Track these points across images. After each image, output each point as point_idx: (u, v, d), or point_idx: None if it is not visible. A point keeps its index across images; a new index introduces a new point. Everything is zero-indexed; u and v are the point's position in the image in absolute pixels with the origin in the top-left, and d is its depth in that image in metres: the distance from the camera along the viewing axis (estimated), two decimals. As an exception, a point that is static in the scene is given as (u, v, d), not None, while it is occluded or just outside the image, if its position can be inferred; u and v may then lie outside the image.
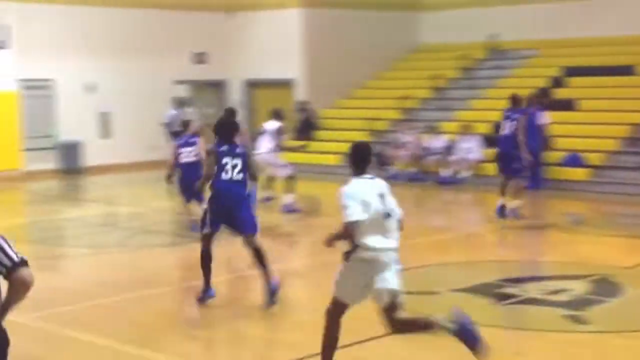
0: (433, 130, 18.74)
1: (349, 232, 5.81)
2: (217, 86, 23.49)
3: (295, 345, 7.45)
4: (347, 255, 5.92)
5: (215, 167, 8.34)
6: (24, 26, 18.74)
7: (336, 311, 6.03)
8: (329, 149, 20.26)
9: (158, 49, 21.75)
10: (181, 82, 22.54)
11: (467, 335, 5.89)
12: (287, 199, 14.26)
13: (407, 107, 20.67)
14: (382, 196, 5.91)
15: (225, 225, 8.50)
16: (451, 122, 19.26)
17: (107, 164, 20.58)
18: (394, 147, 18.71)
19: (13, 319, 8.13)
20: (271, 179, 14.82)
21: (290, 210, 14.15)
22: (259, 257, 8.40)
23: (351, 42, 22.48)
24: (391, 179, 17.97)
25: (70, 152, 19.63)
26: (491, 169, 15.72)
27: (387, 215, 5.87)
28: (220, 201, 8.39)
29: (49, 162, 19.66)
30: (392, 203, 5.96)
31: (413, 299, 8.42)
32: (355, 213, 5.77)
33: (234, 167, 8.35)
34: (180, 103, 19.62)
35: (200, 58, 22.79)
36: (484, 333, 5.96)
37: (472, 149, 17.73)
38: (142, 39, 21.48)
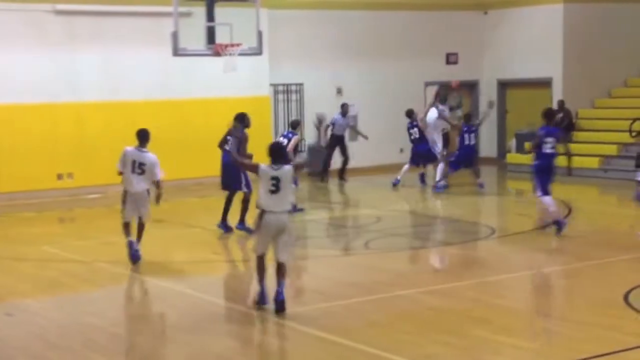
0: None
1: None
2: (468, 87, 23.06)
3: (546, 354, 7.22)
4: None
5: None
6: (274, 32, 19.30)
7: None
8: (588, 150, 19.15)
9: (408, 50, 21.72)
10: (432, 84, 22.33)
11: None
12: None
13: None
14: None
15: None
16: None
17: (356, 167, 20.71)
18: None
19: (257, 314, 8.40)
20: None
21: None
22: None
23: (614, 38, 21.40)
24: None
25: (318, 154, 19.89)
26: None
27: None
28: None
29: (298, 165, 20.12)
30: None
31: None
32: None
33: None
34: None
35: (451, 58, 22.49)
36: None
37: None
38: (390, 41, 21.50)
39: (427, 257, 11.75)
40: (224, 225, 12.88)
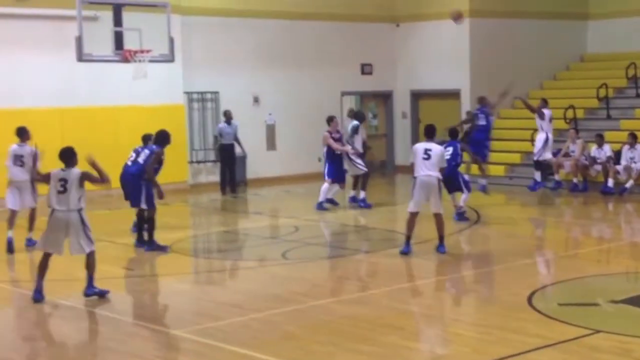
0: (599, 140, 18.25)
1: None
2: (383, 97, 23.36)
3: (455, 358, 7.45)
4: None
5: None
6: (187, 39, 19.10)
7: None
8: (495, 159, 19.69)
9: (324, 60, 21.87)
10: (348, 94, 22.53)
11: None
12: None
13: (573, 117, 19.88)
14: None
15: None
16: (617, 132, 18.90)
17: (272, 176, 20.72)
18: (561, 156, 18.45)
19: (173, 332, 8.27)
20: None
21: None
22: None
23: (517, 52, 22.18)
24: (555, 188, 17.40)
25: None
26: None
27: None
28: None
29: (214, 175, 19.94)
30: None
31: (572, 310, 8.70)
32: None
33: None
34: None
35: (366, 69, 22.76)
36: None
37: (637, 158, 17.47)
38: (307, 51, 21.62)
39: (343, 266, 11.80)
40: (140, 243, 12.51)
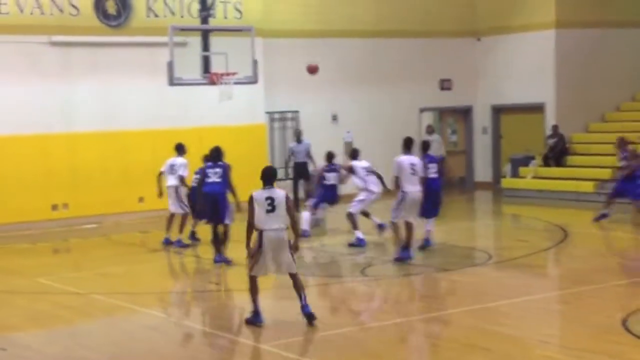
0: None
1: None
2: (462, 112, 23.14)
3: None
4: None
5: None
6: (270, 60, 19.36)
7: None
8: (583, 175, 19.22)
9: (402, 77, 21.80)
10: (426, 110, 22.42)
11: None
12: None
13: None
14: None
15: None
16: None
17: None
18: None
19: (259, 345, 8.34)
20: None
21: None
22: None
23: (607, 63, 21.54)
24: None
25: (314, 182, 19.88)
26: None
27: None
28: None
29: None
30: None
31: None
32: None
33: None
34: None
35: (445, 84, 22.61)
36: None
37: None
38: (385, 68, 21.59)
39: (424, 284, 11.69)
40: (222, 258, 12.80)
